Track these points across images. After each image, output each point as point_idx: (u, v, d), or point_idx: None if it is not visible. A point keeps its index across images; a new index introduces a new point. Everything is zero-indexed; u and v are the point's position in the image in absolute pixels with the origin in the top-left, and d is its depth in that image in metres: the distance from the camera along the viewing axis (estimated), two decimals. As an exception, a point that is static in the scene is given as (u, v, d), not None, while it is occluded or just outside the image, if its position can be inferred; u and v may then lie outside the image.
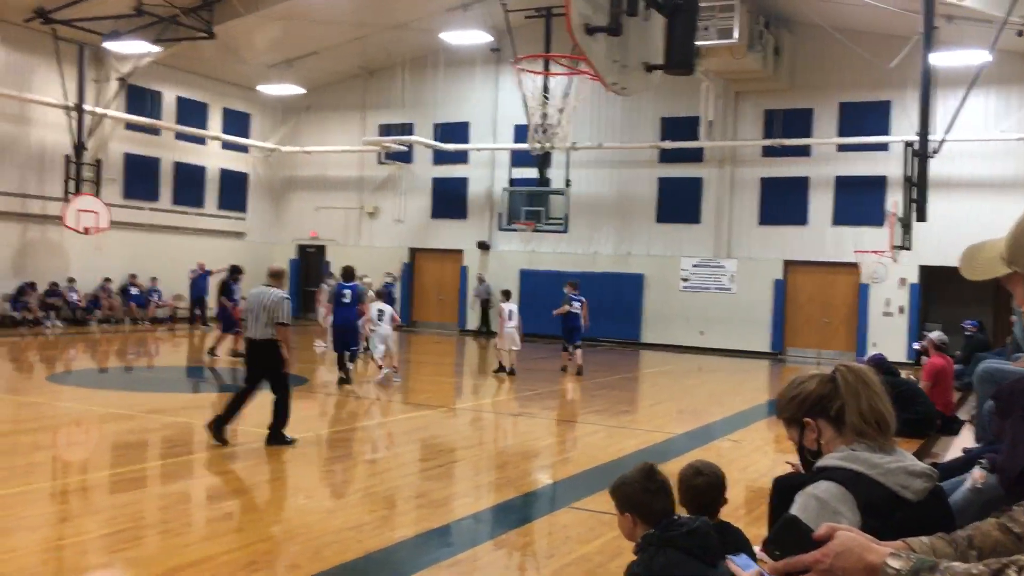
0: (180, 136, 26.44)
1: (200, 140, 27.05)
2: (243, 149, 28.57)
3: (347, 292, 14.38)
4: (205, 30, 21.51)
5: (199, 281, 24.38)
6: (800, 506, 2.13)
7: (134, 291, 24.76)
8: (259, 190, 29.44)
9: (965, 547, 1.76)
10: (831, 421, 2.34)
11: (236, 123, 28.19)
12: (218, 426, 8.94)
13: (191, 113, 26.70)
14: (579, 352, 17.13)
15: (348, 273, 14.84)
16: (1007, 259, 1.59)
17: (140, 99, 24.99)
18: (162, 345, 20.97)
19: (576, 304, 17.32)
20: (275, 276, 9.45)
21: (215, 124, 27.58)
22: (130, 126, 24.97)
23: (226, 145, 27.86)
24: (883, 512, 2.04)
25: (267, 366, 9.11)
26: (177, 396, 13.11)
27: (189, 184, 26.92)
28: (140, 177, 25.51)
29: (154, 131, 25.57)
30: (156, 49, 22.22)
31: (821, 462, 2.29)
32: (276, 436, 9.02)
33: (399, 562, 5.70)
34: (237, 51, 24.83)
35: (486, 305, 25.72)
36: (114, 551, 5.66)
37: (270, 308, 9.02)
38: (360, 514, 6.79)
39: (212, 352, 16.98)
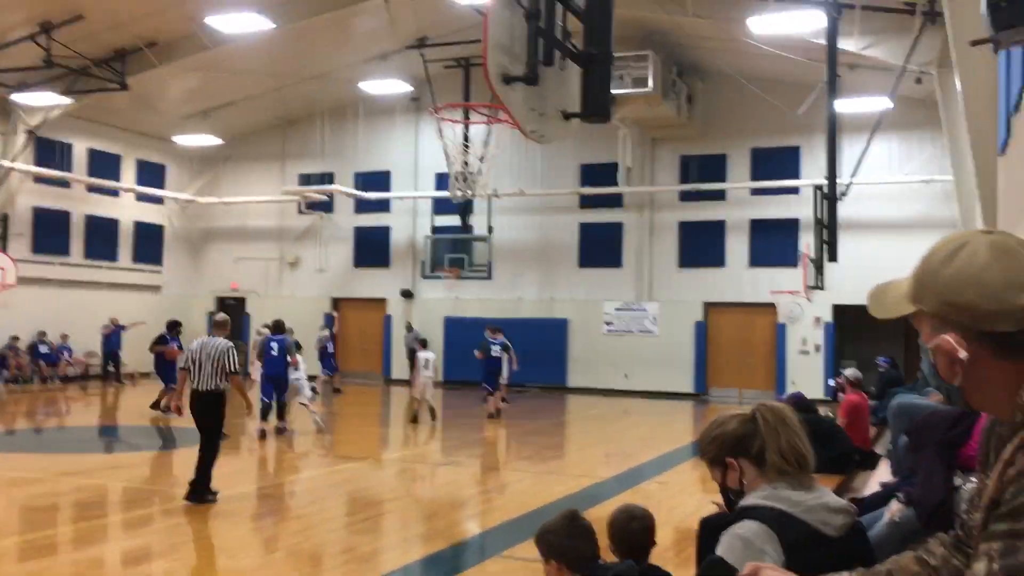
0: (92, 188, 25.81)
1: (113, 192, 26.45)
2: (159, 201, 28.01)
3: (275, 344, 14.40)
4: (118, 81, 21.14)
5: (112, 337, 23.69)
6: (725, 546, 2.14)
7: (44, 349, 23.90)
8: (176, 242, 28.85)
9: (885, 581, 1.79)
10: (752, 460, 2.37)
11: (151, 174, 27.65)
12: (198, 492, 8.68)
13: (104, 165, 26.12)
14: (498, 395, 17.77)
15: (278, 327, 14.91)
16: (912, 298, 1.65)
17: (50, 151, 24.35)
18: (73, 404, 20.23)
19: (496, 348, 17.95)
20: (219, 326, 9.35)
21: (129, 176, 27.01)
22: (39, 179, 24.30)
23: (140, 197, 27.28)
24: (806, 549, 2.07)
25: (208, 417, 8.91)
26: (90, 457, 12.62)
27: (102, 237, 26.23)
28: (50, 231, 24.77)
29: (65, 184, 24.93)
30: (67, 101, 21.75)
31: (744, 501, 2.31)
32: (197, 492, 8.71)
33: (325, 621, 5.55)
34: (151, 102, 24.46)
35: (414, 354, 25.44)
36: (22, 623, 5.38)
37: (216, 358, 8.86)
38: (286, 572, 6.61)
39: (156, 406, 16.50)
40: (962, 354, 1.56)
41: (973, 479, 2.87)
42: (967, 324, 1.55)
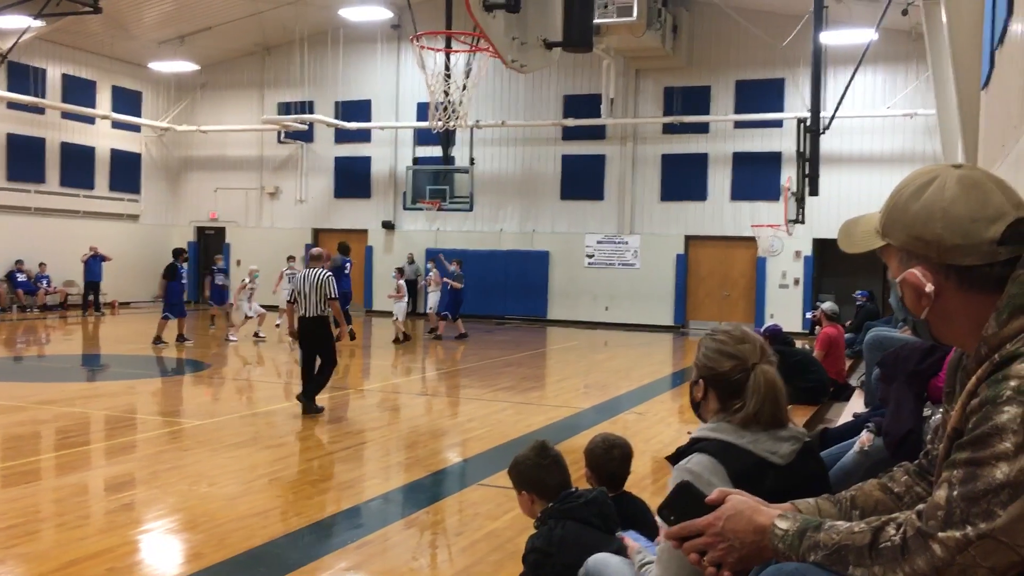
0: (67, 115, 25.37)
1: (89, 119, 26.00)
2: (135, 128, 27.60)
3: (348, 265, 18.00)
4: (90, 4, 20.54)
5: (92, 266, 23.54)
6: (676, 480, 2.18)
7: (21, 278, 23.75)
8: (153, 171, 28.51)
9: (848, 507, 1.84)
10: (719, 398, 2.39)
11: (126, 101, 27.19)
12: (308, 400, 10.04)
13: (78, 91, 25.64)
14: (453, 323, 19.76)
15: (344, 249, 17.92)
16: (881, 232, 1.66)
17: (23, 77, 23.86)
18: (53, 333, 20.19)
19: (462, 278, 19.98)
20: (317, 258, 10.53)
21: (104, 102, 26.54)
22: (12, 105, 23.83)
23: (116, 124, 26.86)
24: (753, 478, 2.10)
25: (319, 339, 10.16)
26: (71, 386, 12.65)
27: (78, 165, 25.88)
28: (24, 158, 24.40)
29: (38, 110, 24.47)
30: (38, 24, 21.20)
31: (694, 433, 2.35)
32: (309, 401, 10.05)
33: (307, 546, 5.65)
34: (126, 26, 23.92)
35: (413, 285, 25.32)
36: (6, 547, 5.44)
37: (319, 287, 10.02)
38: (266, 500, 6.70)
39: (158, 340, 16.57)
40: (928, 288, 1.58)
41: (941, 410, 2.93)
42: (934, 258, 1.57)
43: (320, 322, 10.14)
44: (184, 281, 17.53)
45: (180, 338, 16.96)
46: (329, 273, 10.29)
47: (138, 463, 7.95)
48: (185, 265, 17.53)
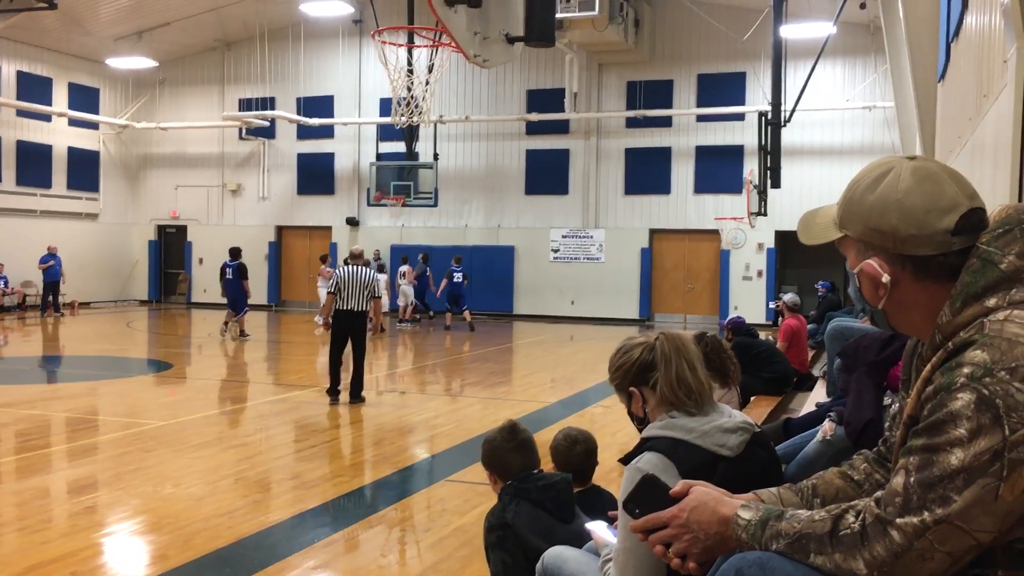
0: (22, 113, 24.91)
1: (45, 117, 25.56)
2: (93, 126, 27.17)
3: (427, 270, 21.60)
4: (45, 0, 20.23)
5: (53, 266, 23.16)
6: (628, 480, 2.20)
7: (-22, 279, 23.31)
8: (112, 169, 28.10)
9: (810, 496, 1.87)
10: (651, 390, 2.41)
11: (84, 99, 26.75)
12: (357, 399, 10.79)
13: (34, 88, 25.18)
14: (467, 312, 20.68)
15: (357, 255, 19.58)
16: (839, 223, 1.69)
17: (-24, 74, 23.40)
18: (12, 335, 19.84)
19: (457, 275, 20.66)
20: (357, 257, 11.29)
21: (60, 100, 26.10)
22: (-34, 103, 23.38)
23: (73, 122, 26.42)
24: (704, 472, 2.12)
25: (358, 330, 10.91)
26: (31, 387, 12.44)
27: (34, 164, 25.43)
28: (-21, 157, 23.93)
29: (-7, 108, 24.02)
30: (-9, 20, 20.79)
31: (644, 432, 2.37)
32: (356, 394, 10.85)
33: (273, 545, 5.61)
34: (82, 22, 23.53)
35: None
36: (-35, 554, 5.34)
37: (368, 284, 10.82)
38: (231, 500, 6.64)
39: (243, 334, 18.01)
40: (885, 278, 1.60)
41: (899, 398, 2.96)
42: (890, 248, 1.59)
43: (362, 316, 10.93)
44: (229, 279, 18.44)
45: (242, 333, 18.09)
46: (375, 272, 11.27)
47: (101, 465, 7.85)
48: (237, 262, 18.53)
